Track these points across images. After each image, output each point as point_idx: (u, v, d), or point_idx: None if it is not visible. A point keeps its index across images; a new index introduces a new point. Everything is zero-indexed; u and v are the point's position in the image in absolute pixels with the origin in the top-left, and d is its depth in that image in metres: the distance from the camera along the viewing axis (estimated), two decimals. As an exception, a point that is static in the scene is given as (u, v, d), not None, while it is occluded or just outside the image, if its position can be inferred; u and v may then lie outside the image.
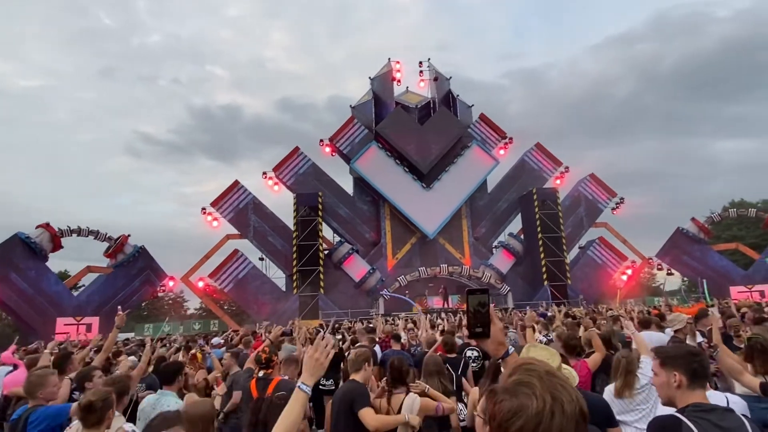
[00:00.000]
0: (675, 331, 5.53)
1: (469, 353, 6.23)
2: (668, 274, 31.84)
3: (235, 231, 29.05)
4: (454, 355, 5.67)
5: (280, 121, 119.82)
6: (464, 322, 9.72)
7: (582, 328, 6.94)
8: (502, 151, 32.94)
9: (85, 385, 3.77)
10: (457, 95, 33.06)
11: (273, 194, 30.60)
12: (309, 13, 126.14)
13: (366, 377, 3.76)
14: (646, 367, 3.46)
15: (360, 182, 31.29)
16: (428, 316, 12.61)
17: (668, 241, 31.55)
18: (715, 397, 2.85)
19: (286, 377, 4.13)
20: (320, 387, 6.54)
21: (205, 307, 36.79)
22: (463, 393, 4.95)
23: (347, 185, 32.45)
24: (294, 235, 28.02)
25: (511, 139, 33.15)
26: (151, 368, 5.51)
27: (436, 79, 32.76)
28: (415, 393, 3.60)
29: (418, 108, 33.13)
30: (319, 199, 28.72)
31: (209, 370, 7.05)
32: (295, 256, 27.60)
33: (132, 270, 26.79)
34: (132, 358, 6.79)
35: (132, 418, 3.92)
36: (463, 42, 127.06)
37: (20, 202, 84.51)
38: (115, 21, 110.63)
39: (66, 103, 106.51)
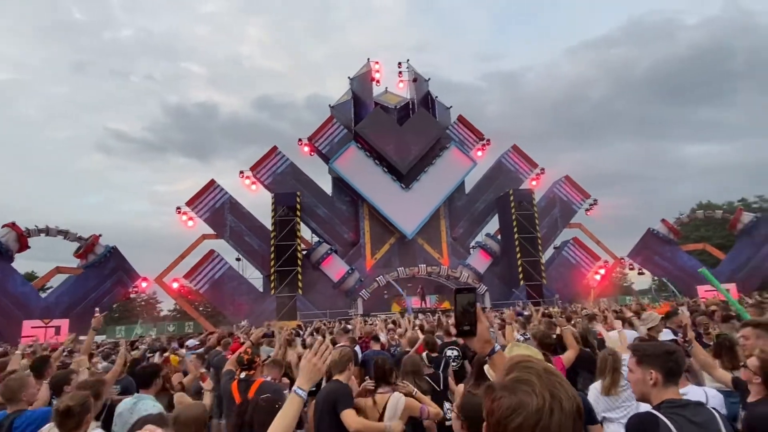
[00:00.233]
0: (649, 330, 5.71)
1: (449, 353, 6.30)
2: (639, 273, 32.74)
3: (211, 231, 28.54)
4: (435, 355, 5.74)
5: (258, 120, 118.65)
6: (443, 321, 9.83)
7: (558, 327, 7.07)
8: (479, 153, 33.27)
9: (63, 388, 3.65)
10: (436, 96, 33.31)
11: (250, 194, 30.25)
12: (288, 11, 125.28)
13: (349, 377, 3.76)
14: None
15: (339, 182, 31.17)
16: (407, 315, 12.66)
17: (639, 242, 32.42)
18: (694, 391, 2.95)
19: (269, 378, 4.09)
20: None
21: (180, 308, 36.05)
22: (449, 392, 5.00)
23: (326, 185, 32.33)
24: (272, 235, 27.71)
25: (488, 140, 33.51)
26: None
27: (415, 80, 32.96)
28: (400, 393, 3.61)
29: (397, 109, 33.27)
30: (298, 199, 28.48)
31: (185, 374, 6.91)
32: (272, 256, 27.30)
33: (103, 271, 26.03)
34: (104, 363, 6.61)
35: (107, 424, 3.81)
36: (442, 43, 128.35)
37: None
38: (86, 15, 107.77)
39: (36, 99, 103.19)
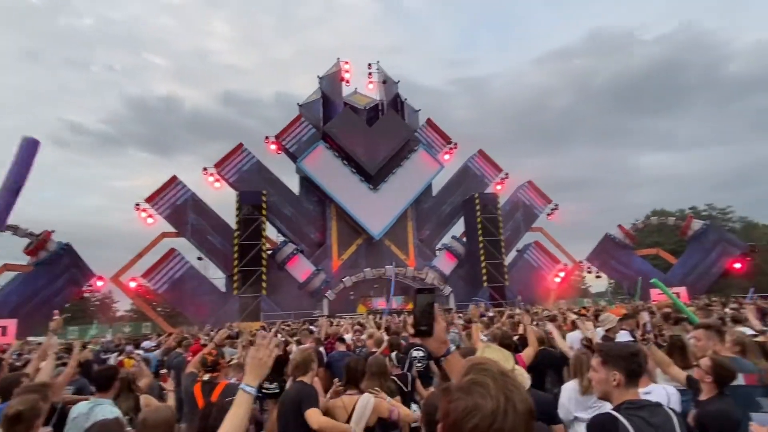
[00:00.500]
0: (606, 331, 5.92)
1: (414, 353, 6.33)
2: (596, 277, 33.93)
3: (171, 229, 27.66)
4: (402, 355, 5.76)
5: (223, 116, 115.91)
6: (409, 321, 9.88)
7: (522, 327, 7.24)
8: (447, 156, 33.71)
9: (14, 392, 3.44)
10: (405, 99, 33.55)
11: (214, 191, 29.52)
12: (254, 5, 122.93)
13: (312, 378, 3.73)
14: None
15: (306, 182, 30.89)
16: (373, 316, 12.68)
17: (597, 246, 33.52)
18: (656, 390, 3.08)
19: (234, 380, 4.00)
20: (264, 391, 6.39)
21: (137, 308, 34.73)
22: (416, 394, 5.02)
23: (293, 184, 31.96)
24: (235, 234, 27.14)
25: (456, 144, 34.00)
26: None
27: (384, 82, 33.08)
28: (370, 394, 3.59)
29: (367, 110, 33.31)
30: (263, 198, 27.99)
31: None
32: (236, 255, 26.73)
33: (55, 269, 24.71)
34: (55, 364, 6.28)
35: (59, 428, 3.62)
36: (412, 46, 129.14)
37: None
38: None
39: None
